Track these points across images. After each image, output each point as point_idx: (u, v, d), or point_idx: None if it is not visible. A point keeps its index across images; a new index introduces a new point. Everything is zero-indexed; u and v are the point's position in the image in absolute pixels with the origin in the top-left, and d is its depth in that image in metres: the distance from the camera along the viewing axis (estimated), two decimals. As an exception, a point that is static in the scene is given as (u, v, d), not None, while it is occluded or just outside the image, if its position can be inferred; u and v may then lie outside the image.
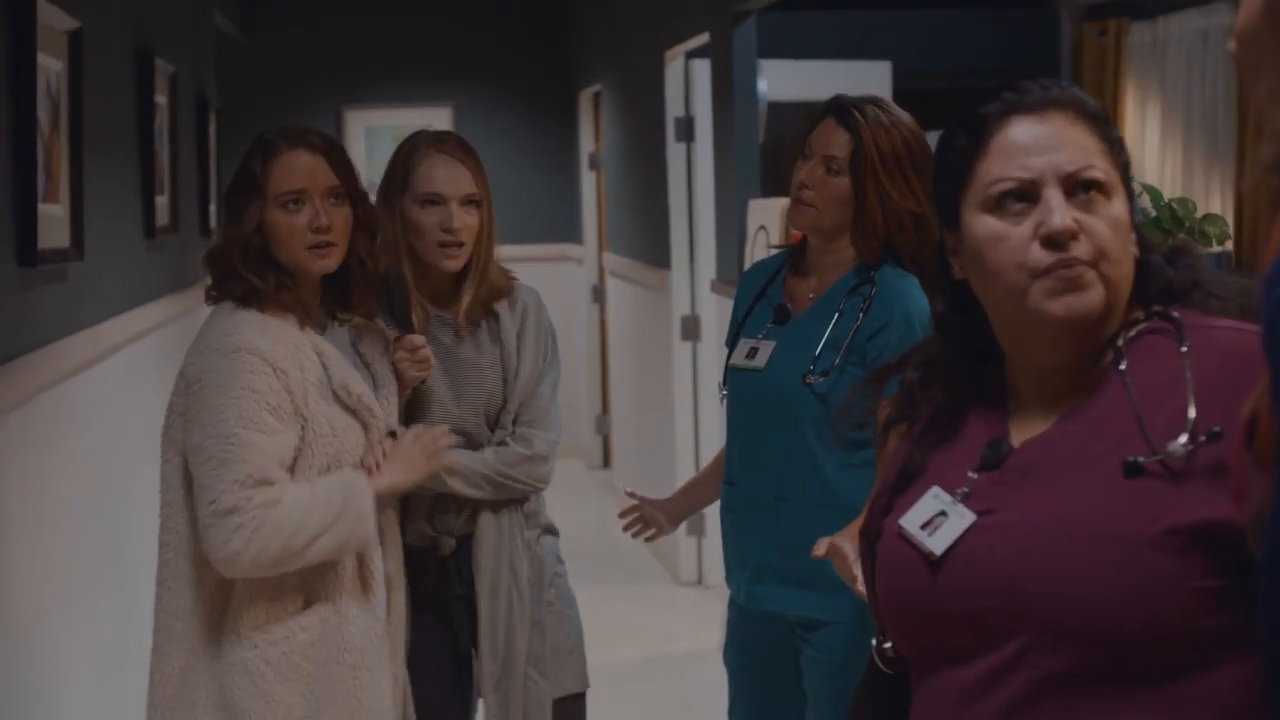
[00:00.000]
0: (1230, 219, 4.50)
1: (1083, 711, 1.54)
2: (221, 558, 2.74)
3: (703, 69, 6.73)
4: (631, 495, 3.40)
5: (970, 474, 1.67)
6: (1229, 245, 4.13)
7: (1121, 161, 1.66)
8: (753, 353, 3.07)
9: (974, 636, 1.60)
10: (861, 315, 2.96)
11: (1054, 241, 1.59)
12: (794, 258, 3.16)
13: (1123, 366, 1.61)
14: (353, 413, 2.88)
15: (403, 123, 9.74)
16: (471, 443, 3.17)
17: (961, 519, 1.63)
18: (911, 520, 1.67)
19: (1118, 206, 1.63)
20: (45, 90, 3.89)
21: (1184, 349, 1.58)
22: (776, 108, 6.87)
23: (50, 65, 3.96)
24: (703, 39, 6.27)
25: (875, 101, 3.07)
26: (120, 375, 5.03)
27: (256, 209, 2.85)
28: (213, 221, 7.86)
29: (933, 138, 3.10)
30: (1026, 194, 1.62)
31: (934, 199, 1.73)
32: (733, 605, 3.16)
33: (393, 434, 2.98)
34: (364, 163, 9.63)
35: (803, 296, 3.09)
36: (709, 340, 6.86)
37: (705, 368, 6.96)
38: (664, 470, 7.25)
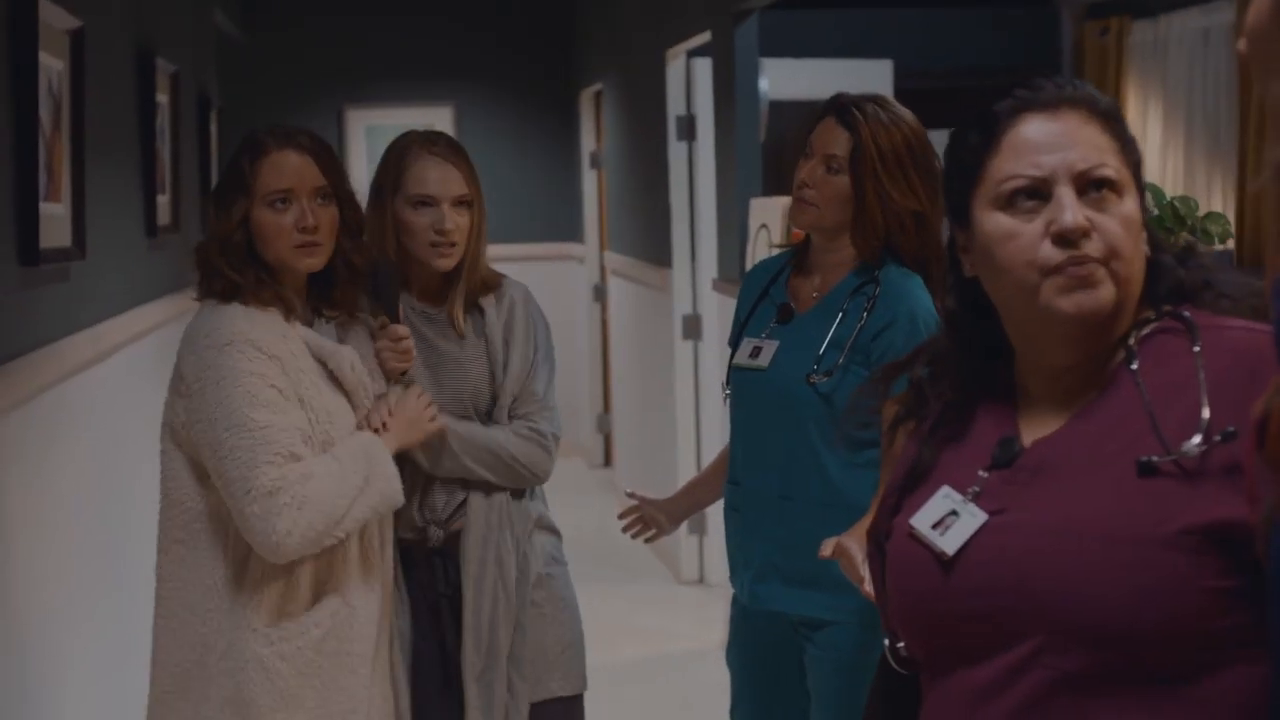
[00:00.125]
0: (1231, 217, 4.49)
1: (1096, 712, 1.53)
2: (272, 542, 2.74)
3: (704, 68, 6.73)
4: (631, 496, 3.40)
5: (981, 473, 1.66)
6: (1230, 244, 4.13)
7: (1134, 160, 1.65)
8: (756, 352, 3.07)
9: (987, 637, 1.59)
10: (865, 315, 2.95)
11: (1065, 239, 1.58)
12: (797, 257, 3.16)
13: (1135, 366, 1.61)
14: (348, 394, 2.91)
15: (404, 122, 9.68)
16: None
17: (973, 518, 1.63)
18: (922, 520, 1.66)
19: (1129, 205, 1.62)
20: (47, 89, 3.88)
21: (1196, 349, 1.58)
22: (778, 106, 6.87)
23: (52, 64, 3.96)
24: (704, 38, 6.27)
25: (876, 100, 3.06)
26: (121, 375, 5.03)
27: (242, 206, 2.88)
28: (214, 221, 7.85)
29: (934, 136, 3.11)
30: (1038, 192, 1.62)
31: (945, 196, 1.73)
32: (736, 604, 3.16)
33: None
34: (365, 162, 9.65)
35: (806, 296, 3.09)
36: (710, 339, 6.86)
37: (707, 367, 6.96)
38: (665, 469, 7.24)
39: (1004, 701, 1.57)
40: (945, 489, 1.67)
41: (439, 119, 9.64)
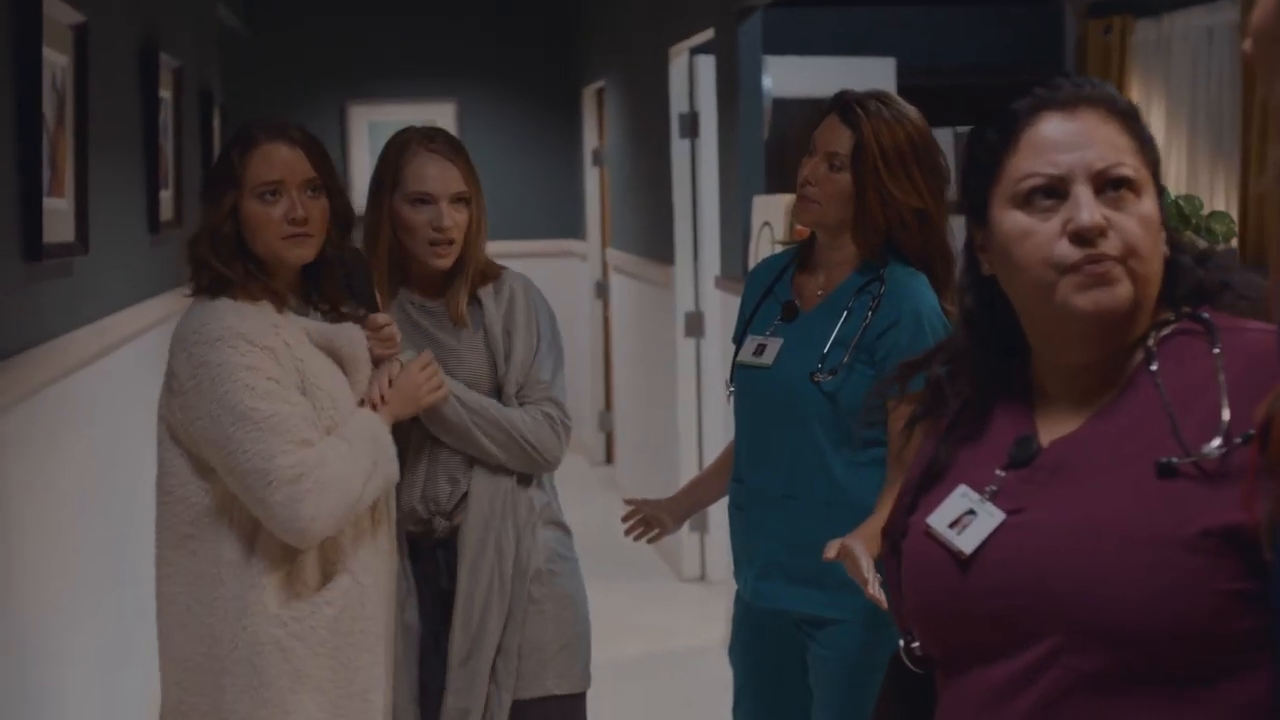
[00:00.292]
0: (1235, 216, 4.49)
1: (1113, 712, 1.53)
2: (299, 528, 2.75)
3: (707, 65, 6.72)
4: (630, 502, 3.38)
5: (998, 472, 1.66)
6: (1234, 243, 4.13)
7: (1152, 160, 1.65)
8: (760, 350, 3.07)
9: (1004, 636, 1.59)
10: (870, 314, 2.95)
11: (1082, 237, 1.58)
12: (802, 254, 3.15)
13: (1154, 367, 1.60)
14: (350, 374, 2.92)
15: (407, 118, 9.66)
16: None
17: (991, 518, 1.63)
18: (939, 519, 1.66)
19: (1148, 204, 1.62)
20: (50, 84, 3.89)
21: (1216, 350, 1.57)
22: (781, 104, 6.86)
23: (55, 60, 3.96)
24: (707, 35, 6.26)
25: (880, 97, 3.05)
26: (125, 370, 5.03)
27: (231, 198, 2.87)
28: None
29: (937, 134, 3.11)
30: (1055, 190, 1.62)
31: (963, 194, 1.73)
32: (739, 602, 3.15)
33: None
34: (367, 158, 9.65)
35: (811, 293, 3.08)
36: (713, 336, 6.86)
37: (709, 364, 6.96)
38: (667, 467, 7.24)
39: (1021, 701, 1.57)
40: (962, 488, 1.67)
41: (442, 115, 9.64)
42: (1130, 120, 1.66)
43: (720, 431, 6.55)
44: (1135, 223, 1.60)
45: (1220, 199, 6.10)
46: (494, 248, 3.36)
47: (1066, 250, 1.59)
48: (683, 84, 6.97)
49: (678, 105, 6.99)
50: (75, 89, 4.19)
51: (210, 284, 2.88)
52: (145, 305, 5.40)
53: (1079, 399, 1.66)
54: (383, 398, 2.96)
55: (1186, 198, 3.57)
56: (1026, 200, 1.63)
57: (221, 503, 2.83)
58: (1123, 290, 1.59)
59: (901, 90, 3.19)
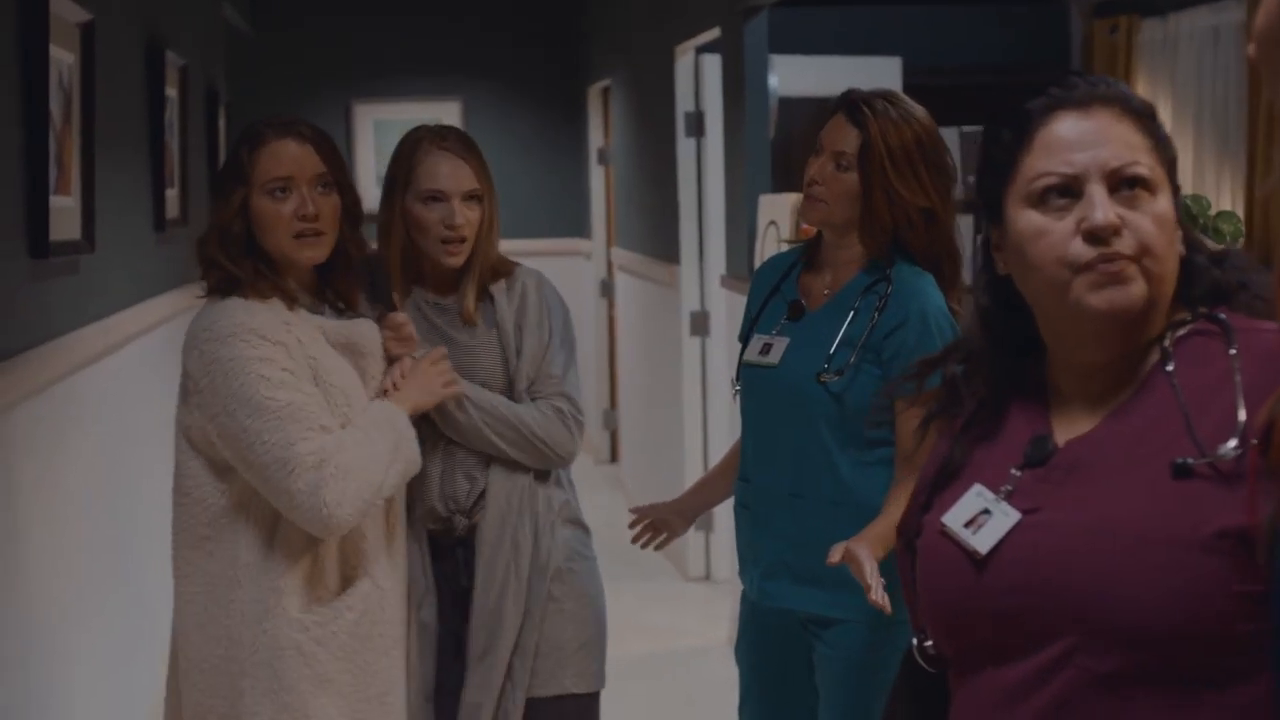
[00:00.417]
0: (1241, 216, 4.49)
1: (1127, 713, 1.53)
2: (323, 515, 2.72)
3: (713, 64, 6.72)
4: (636, 510, 3.37)
5: (1014, 471, 1.66)
6: (1241, 243, 4.13)
7: (1168, 159, 1.65)
8: (766, 349, 3.06)
9: (1019, 636, 1.59)
10: (877, 314, 2.94)
11: (1096, 236, 1.58)
12: (808, 253, 3.15)
13: (1170, 368, 1.60)
14: (365, 369, 2.90)
15: (412, 117, 9.69)
16: None
17: (1006, 517, 1.63)
18: (955, 518, 1.66)
19: (1162, 203, 1.62)
20: (57, 82, 3.89)
21: (1232, 351, 1.57)
22: (787, 103, 6.86)
23: (62, 58, 3.96)
24: (713, 34, 6.26)
25: (887, 96, 3.05)
26: (130, 368, 5.04)
27: (240, 196, 2.85)
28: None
29: (943, 133, 3.10)
30: (1069, 189, 1.62)
31: (978, 193, 1.73)
32: (745, 601, 3.15)
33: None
34: (373, 156, 9.66)
35: (817, 293, 3.08)
36: (718, 335, 6.85)
37: (714, 363, 6.95)
38: (672, 465, 7.24)
39: (1034, 701, 1.57)
40: (977, 487, 1.67)
41: (447, 114, 9.63)
42: (1146, 119, 1.65)
43: (725, 430, 6.54)
44: (1149, 221, 1.60)
45: (1226, 199, 6.09)
46: (500, 246, 3.35)
47: (1080, 249, 1.59)
48: (688, 83, 6.97)
49: (683, 104, 6.98)
50: (82, 87, 4.19)
51: (220, 284, 2.86)
52: (150, 303, 5.40)
53: (1094, 399, 1.66)
54: (395, 385, 2.95)
55: (1194, 198, 3.56)
56: (1041, 199, 1.63)
57: (239, 503, 2.81)
58: (1137, 289, 1.59)
59: (907, 89, 3.19)
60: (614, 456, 9.71)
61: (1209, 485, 1.51)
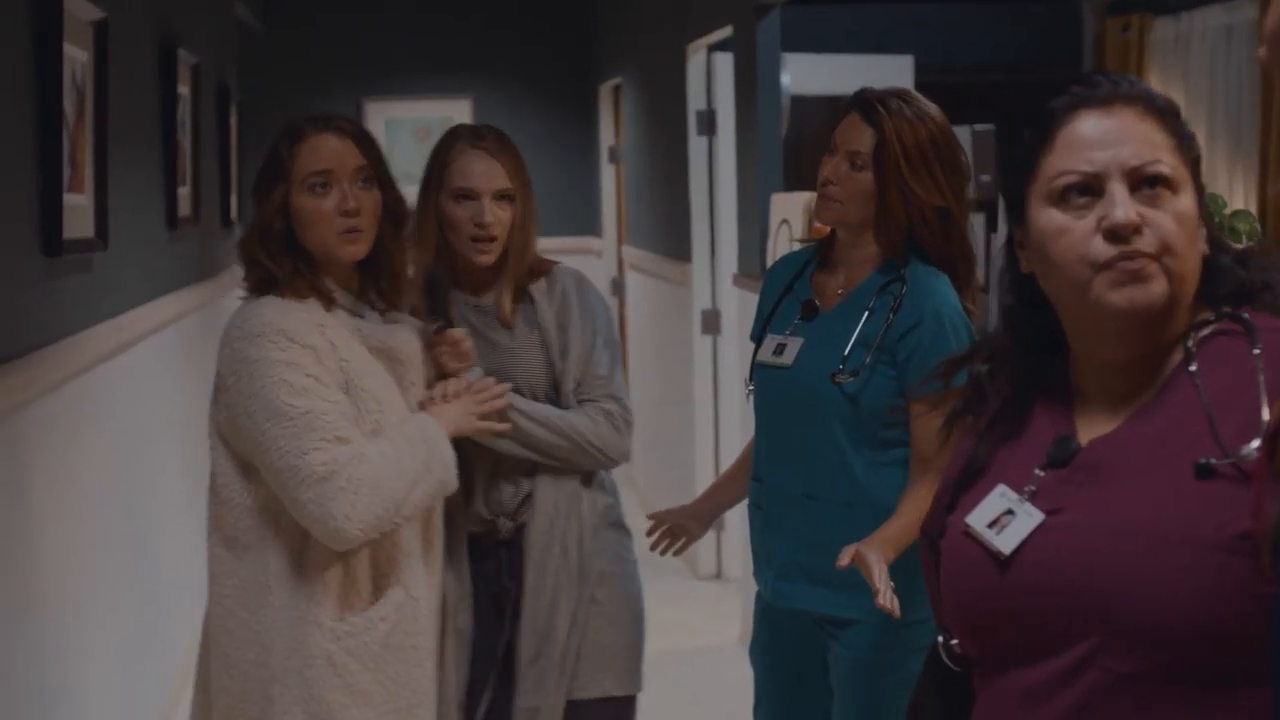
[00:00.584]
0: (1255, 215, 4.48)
1: (1151, 714, 1.53)
2: (331, 528, 2.69)
3: (725, 62, 6.72)
4: (653, 517, 3.36)
5: (1037, 471, 1.66)
6: (1257, 243, 4.12)
7: (1191, 157, 1.65)
8: (780, 349, 3.05)
9: (1042, 637, 1.59)
10: (892, 314, 2.92)
11: (1116, 235, 1.58)
12: (821, 252, 3.13)
13: (1193, 368, 1.60)
14: (400, 376, 2.87)
15: (423, 115, 9.75)
16: None
17: (1030, 518, 1.63)
18: (978, 518, 1.66)
19: (1185, 202, 1.62)
20: (71, 81, 3.89)
21: (1256, 351, 1.57)
22: (799, 101, 6.86)
23: (76, 56, 3.97)
24: (725, 32, 6.26)
25: (901, 95, 3.03)
26: (143, 365, 5.04)
27: (280, 192, 2.82)
28: (234, 213, 7.88)
29: (955, 132, 3.09)
30: (1090, 188, 1.62)
31: (1002, 192, 1.73)
32: (759, 601, 3.14)
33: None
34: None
35: (831, 292, 3.06)
36: (730, 334, 6.85)
37: (726, 362, 6.95)
38: (683, 464, 7.24)
39: (1058, 702, 1.57)
40: (1001, 487, 1.67)
41: (458, 112, 9.64)
42: (1169, 118, 1.65)
43: (737, 429, 6.54)
44: (1171, 220, 1.59)
45: (1239, 198, 6.08)
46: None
47: (1101, 247, 1.59)
48: (700, 81, 6.97)
49: (695, 102, 6.98)
50: (95, 85, 4.19)
51: (259, 282, 2.83)
52: (163, 301, 5.41)
53: (1118, 398, 1.65)
54: (445, 398, 2.91)
55: (1211, 196, 3.56)
56: (1062, 198, 1.63)
57: (266, 505, 2.78)
58: (1157, 287, 1.59)
59: (919, 88, 3.18)
60: (625, 455, 9.70)
61: (1232, 486, 1.51)
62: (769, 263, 5.37)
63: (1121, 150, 1.61)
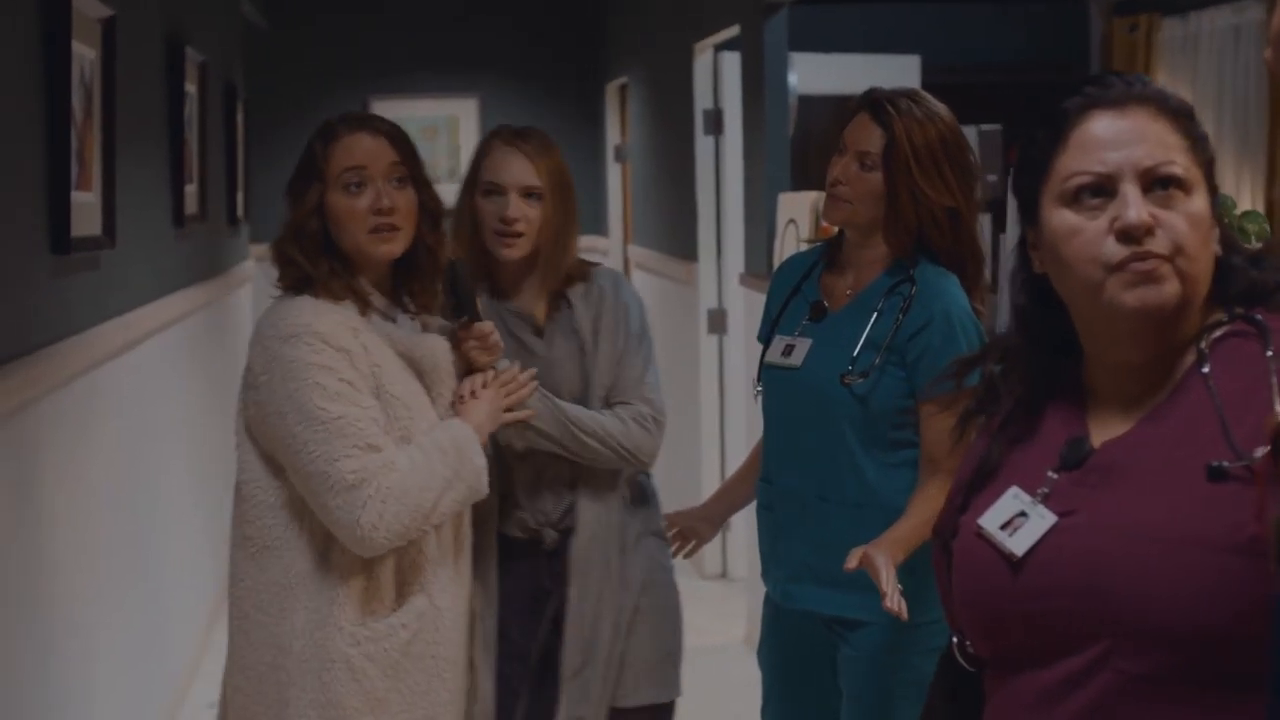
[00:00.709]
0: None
1: (1164, 716, 1.53)
2: (358, 536, 2.68)
3: (732, 61, 6.71)
4: (664, 518, 3.36)
5: (1050, 473, 1.66)
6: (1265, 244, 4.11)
7: (1205, 158, 1.65)
8: (789, 350, 3.04)
9: (1054, 639, 1.59)
10: (901, 315, 2.91)
11: (1129, 236, 1.58)
12: (829, 253, 3.13)
13: (1206, 369, 1.60)
14: (428, 386, 2.85)
15: (429, 114, 9.75)
16: None
17: (1042, 520, 1.63)
18: (991, 520, 1.66)
19: (1198, 203, 1.62)
20: (79, 78, 3.89)
21: (1269, 353, 1.57)
22: (806, 101, 6.85)
23: (84, 53, 3.97)
24: (732, 31, 6.26)
25: (910, 95, 3.02)
26: (150, 363, 5.05)
27: (316, 192, 2.81)
28: (240, 211, 7.89)
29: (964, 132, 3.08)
30: (1103, 189, 1.62)
31: (1014, 192, 1.73)
32: (768, 603, 3.13)
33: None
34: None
35: (840, 293, 3.05)
36: (736, 333, 6.85)
37: (732, 361, 6.94)
38: (689, 464, 7.24)
39: (1071, 704, 1.57)
40: (1014, 489, 1.67)
41: (464, 111, 9.64)
42: (1182, 118, 1.65)
43: (743, 428, 6.54)
44: (1183, 221, 1.59)
45: (1246, 199, 6.08)
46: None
47: (1114, 249, 1.59)
48: (707, 80, 6.96)
49: (702, 102, 6.98)
50: (103, 83, 4.19)
51: (295, 282, 2.81)
52: (170, 299, 5.41)
53: (1130, 400, 1.65)
54: (474, 394, 2.90)
55: (1221, 197, 3.55)
56: (1075, 199, 1.63)
57: (292, 504, 2.76)
58: (1170, 288, 1.58)
59: (926, 88, 3.17)
60: (630, 454, 9.70)
61: (1245, 488, 1.51)
62: (776, 262, 5.36)
63: (1134, 151, 1.61)
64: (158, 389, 5.19)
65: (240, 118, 7.86)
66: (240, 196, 7.88)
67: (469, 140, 9.79)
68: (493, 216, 3.09)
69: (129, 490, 4.63)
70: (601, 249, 9.94)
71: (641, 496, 3.22)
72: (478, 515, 3.02)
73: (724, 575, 7.08)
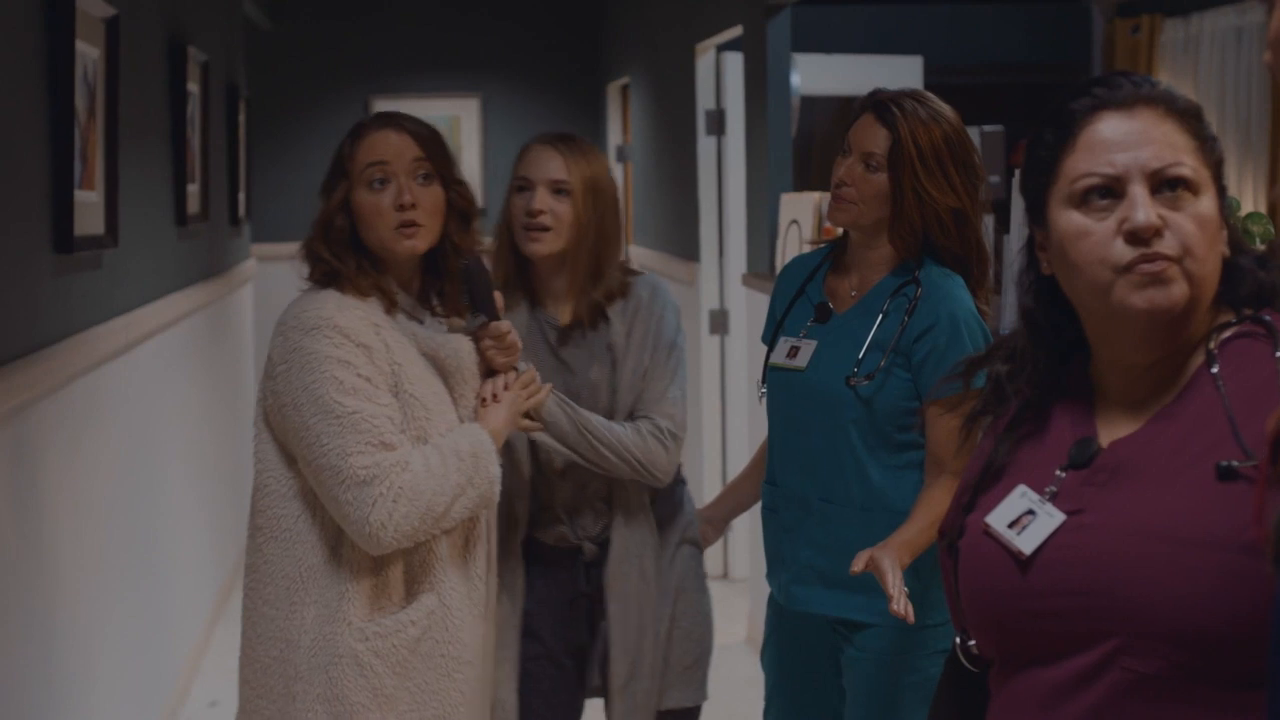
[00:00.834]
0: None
1: (1170, 715, 1.53)
2: (367, 532, 2.67)
3: (734, 62, 6.71)
4: None
5: (1058, 472, 1.66)
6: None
7: (1214, 160, 1.65)
8: (794, 352, 3.03)
9: (1062, 637, 1.59)
10: (907, 317, 2.90)
11: (1137, 237, 1.58)
12: (834, 254, 3.12)
13: (1215, 370, 1.60)
14: (451, 387, 2.84)
15: (431, 113, 9.74)
16: None
17: (1051, 518, 1.63)
18: (999, 518, 1.66)
19: (1206, 204, 1.62)
20: (82, 77, 3.89)
21: (1278, 354, 1.57)
22: (809, 101, 6.86)
23: (87, 52, 3.97)
24: (735, 32, 6.26)
25: (915, 95, 3.02)
26: (152, 363, 5.05)
27: (342, 190, 2.83)
28: (242, 210, 7.89)
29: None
30: (1112, 190, 1.62)
31: (1023, 193, 1.73)
32: (772, 604, 3.13)
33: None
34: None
35: (844, 294, 3.04)
36: (738, 334, 6.85)
37: (734, 362, 6.95)
38: (691, 465, 7.24)
39: (1078, 703, 1.57)
40: (1022, 488, 1.67)
41: (465, 110, 9.64)
42: (1191, 119, 1.65)
43: (745, 429, 6.54)
44: (1192, 223, 1.60)
45: (1249, 201, 6.08)
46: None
47: (1122, 250, 1.59)
48: (709, 81, 6.96)
49: (704, 102, 6.98)
50: (106, 82, 4.19)
51: (321, 276, 2.82)
52: (172, 298, 5.41)
53: (1139, 400, 1.65)
54: (495, 397, 2.89)
55: (1227, 198, 3.55)
56: (1083, 200, 1.63)
57: (304, 495, 2.76)
58: (1178, 290, 1.59)
59: (927, 89, 3.17)
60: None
61: (1255, 488, 1.51)
62: (779, 263, 5.36)
63: (1142, 152, 1.61)
64: (159, 388, 5.19)
65: (242, 117, 7.86)
66: (242, 196, 7.88)
67: (470, 140, 9.80)
68: (520, 211, 3.09)
69: (130, 488, 4.63)
70: (603, 249, 9.94)
71: (678, 506, 3.22)
72: (509, 523, 3.06)
73: (725, 576, 7.08)
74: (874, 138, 2.97)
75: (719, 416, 7.05)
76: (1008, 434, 1.74)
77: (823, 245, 3.21)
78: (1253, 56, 6.23)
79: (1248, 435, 1.53)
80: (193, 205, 5.98)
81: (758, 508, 3.29)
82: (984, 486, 1.73)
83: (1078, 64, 7.71)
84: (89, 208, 4.01)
